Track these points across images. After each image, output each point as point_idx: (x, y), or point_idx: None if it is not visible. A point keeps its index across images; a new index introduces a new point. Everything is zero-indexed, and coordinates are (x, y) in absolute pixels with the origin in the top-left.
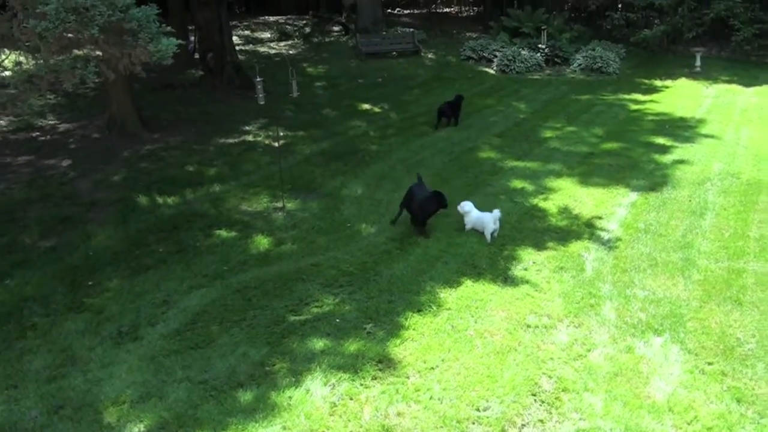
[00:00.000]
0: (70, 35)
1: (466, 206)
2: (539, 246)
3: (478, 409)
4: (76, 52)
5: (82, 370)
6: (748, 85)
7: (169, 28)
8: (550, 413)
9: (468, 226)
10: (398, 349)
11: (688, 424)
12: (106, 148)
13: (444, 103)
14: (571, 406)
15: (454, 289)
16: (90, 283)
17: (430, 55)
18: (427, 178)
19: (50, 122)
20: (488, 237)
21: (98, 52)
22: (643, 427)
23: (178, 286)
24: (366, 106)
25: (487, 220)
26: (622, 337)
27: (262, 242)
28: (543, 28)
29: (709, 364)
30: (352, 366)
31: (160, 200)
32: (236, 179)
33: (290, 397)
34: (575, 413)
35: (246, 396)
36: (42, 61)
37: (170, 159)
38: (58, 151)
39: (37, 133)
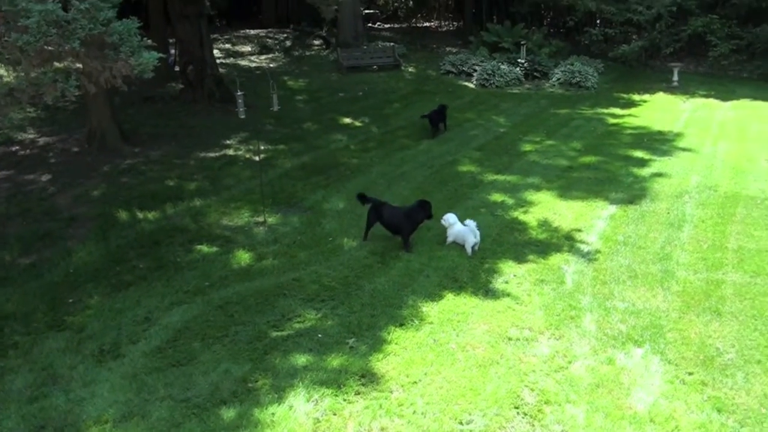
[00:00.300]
0: (50, 48)
1: (450, 219)
2: (520, 259)
3: (461, 423)
4: (57, 64)
5: (64, 389)
6: (725, 99)
7: (150, 42)
8: (533, 426)
9: (449, 239)
10: (381, 364)
11: None
12: (86, 163)
13: (432, 111)
14: (553, 418)
15: (435, 303)
16: (71, 300)
17: (410, 69)
18: (409, 191)
19: (30, 136)
20: (469, 250)
21: (78, 65)
22: None
23: (160, 302)
24: (347, 120)
25: (467, 234)
26: (602, 349)
27: (244, 257)
28: (522, 42)
29: (690, 374)
30: (335, 381)
31: (140, 215)
32: (217, 194)
33: (273, 414)
34: (558, 425)
35: (229, 413)
36: (23, 74)
37: (150, 173)
38: (37, 166)
39: (17, 147)
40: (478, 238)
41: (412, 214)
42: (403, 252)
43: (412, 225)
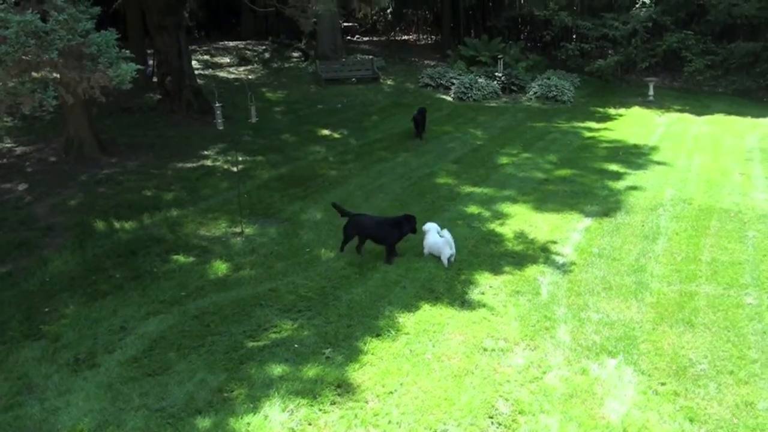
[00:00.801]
0: (28, 58)
1: (425, 227)
2: (496, 270)
3: None
4: (35, 74)
5: (39, 398)
6: (699, 114)
7: (128, 53)
8: None
9: (425, 250)
10: (357, 374)
11: None
12: (63, 172)
13: (416, 113)
14: (527, 428)
15: (412, 314)
16: (46, 309)
17: (389, 82)
18: (386, 203)
19: (7, 145)
20: (445, 262)
21: (56, 75)
22: None
23: (136, 312)
24: (325, 132)
25: (441, 245)
26: (576, 360)
27: (221, 267)
28: (499, 57)
29: (662, 384)
30: (310, 391)
31: (117, 225)
32: (194, 204)
33: (248, 424)
34: None
35: (204, 423)
36: (1, 84)
37: (128, 183)
38: (14, 175)
39: None
40: (454, 249)
41: (399, 225)
42: (380, 263)
43: (399, 236)
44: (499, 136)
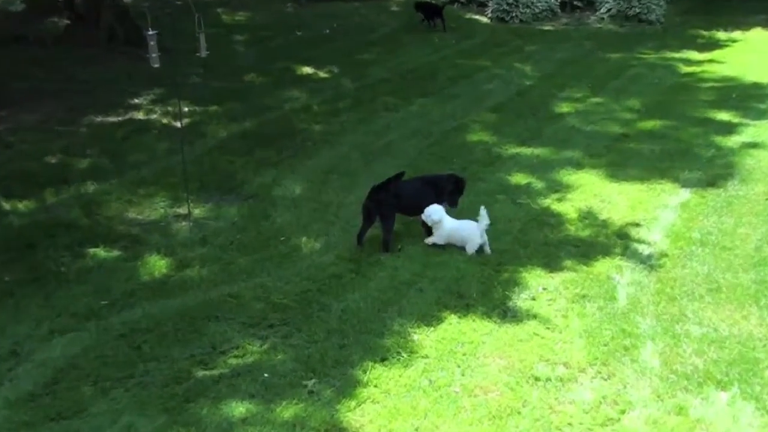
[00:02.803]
0: None
1: (434, 215)
2: (552, 266)
3: None
4: None
5: None
6: None
7: None
8: None
9: (440, 241)
10: (353, 415)
11: None
12: None
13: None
14: None
15: (432, 329)
16: None
17: None
18: (395, 170)
19: None
20: (471, 252)
21: None
22: None
23: (33, 329)
24: (307, 70)
25: (472, 233)
26: (670, 393)
27: (158, 265)
28: None
29: None
30: None
31: (7, 206)
32: (120, 175)
33: None
34: None
35: None
36: None
37: (24, 146)
38: None
39: None
40: (486, 237)
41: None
42: (384, 256)
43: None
44: (556, 73)
